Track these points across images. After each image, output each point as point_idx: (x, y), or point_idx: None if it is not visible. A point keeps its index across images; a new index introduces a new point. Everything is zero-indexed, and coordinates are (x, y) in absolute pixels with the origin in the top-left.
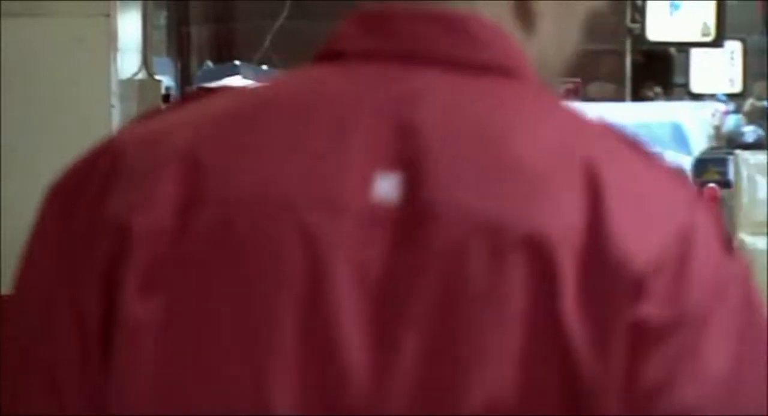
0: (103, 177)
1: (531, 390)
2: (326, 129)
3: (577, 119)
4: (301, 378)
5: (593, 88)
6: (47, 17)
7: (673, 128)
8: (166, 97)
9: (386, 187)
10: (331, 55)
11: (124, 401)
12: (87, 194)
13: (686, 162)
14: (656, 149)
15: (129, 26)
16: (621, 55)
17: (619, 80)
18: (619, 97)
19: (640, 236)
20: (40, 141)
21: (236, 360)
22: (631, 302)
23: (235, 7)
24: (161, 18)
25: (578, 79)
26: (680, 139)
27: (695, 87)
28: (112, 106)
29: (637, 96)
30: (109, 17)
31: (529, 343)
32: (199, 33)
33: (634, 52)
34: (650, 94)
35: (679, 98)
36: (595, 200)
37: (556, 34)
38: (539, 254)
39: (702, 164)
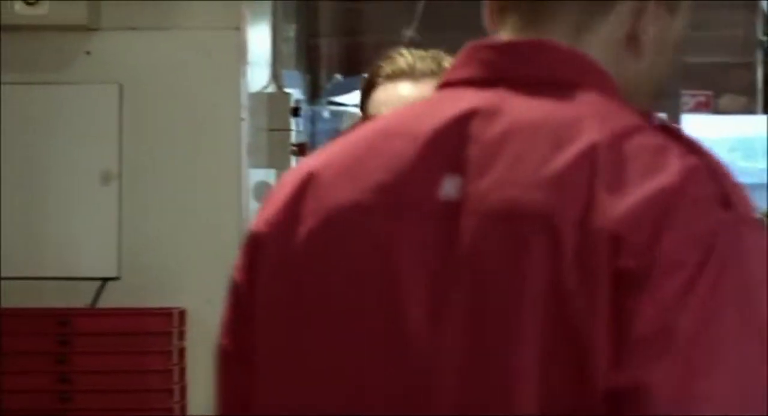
0: (267, 198)
1: (541, 332)
2: (406, 147)
3: (614, 113)
4: (374, 351)
5: (725, 101)
6: (177, 30)
7: None
8: (295, 111)
9: (449, 187)
10: (442, 85)
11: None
12: (258, 212)
13: None
14: None
15: (258, 39)
16: (752, 67)
17: (751, 93)
18: (750, 110)
19: (617, 203)
20: (170, 154)
21: (330, 337)
22: (611, 255)
23: (364, 19)
24: (290, 31)
25: (709, 92)
26: None
27: None
28: (242, 119)
29: None
30: (238, 30)
31: (543, 296)
32: (328, 46)
33: (765, 64)
34: None
35: None
36: (588, 183)
37: (652, 60)
38: (548, 232)
39: None
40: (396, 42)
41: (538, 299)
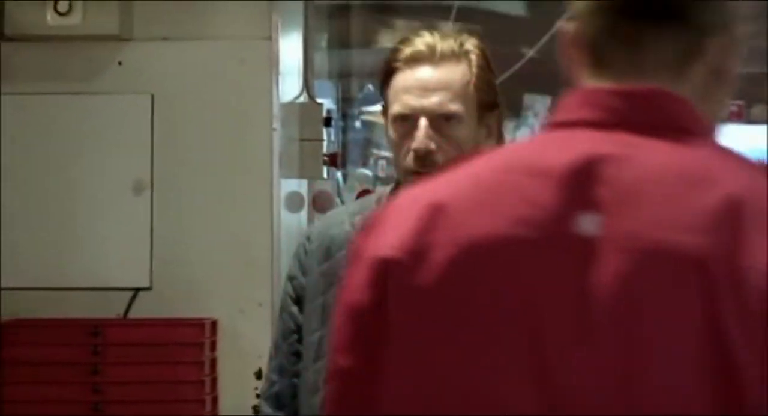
0: (378, 223)
1: (696, 366)
2: (537, 183)
3: (733, 160)
4: (522, 374)
5: (756, 111)
6: (209, 40)
7: None
8: (327, 121)
9: (586, 224)
10: (554, 124)
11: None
12: (367, 235)
13: None
14: None
15: (290, 49)
16: None
17: None
18: None
19: (763, 248)
20: (202, 164)
21: (475, 368)
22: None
23: (395, 33)
24: (322, 41)
25: (741, 102)
26: None
27: None
28: (274, 129)
29: None
30: (270, 40)
31: (698, 332)
32: (360, 56)
33: None
34: None
35: None
36: (734, 227)
37: (728, 90)
38: (701, 271)
39: None
40: None
41: (693, 335)
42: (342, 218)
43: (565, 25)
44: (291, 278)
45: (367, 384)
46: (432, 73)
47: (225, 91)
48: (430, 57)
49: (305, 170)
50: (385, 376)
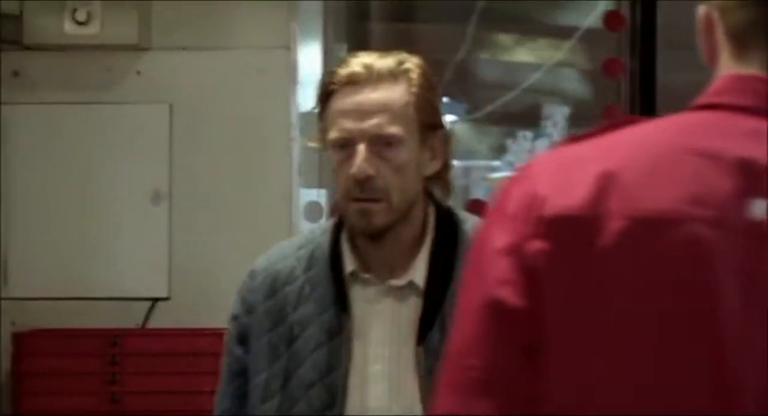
0: (524, 196)
1: None
2: (708, 163)
3: None
4: (689, 363)
5: None
6: (227, 50)
7: None
8: None
9: (758, 209)
10: (707, 105)
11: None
12: (508, 207)
13: None
14: None
15: (309, 59)
16: None
17: None
18: None
19: None
20: (220, 174)
21: (641, 348)
22: None
23: (416, 40)
24: (341, 50)
25: None
26: None
27: None
28: (292, 138)
29: None
30: (289, 50)
31: None
32: None
33: None
34: None
35: None
36: None
37: None
38: None
39: None
40: (447, 63)
41: None
42: (286, 252)
43: (703, 9)
44: (234, 318)
45: (527, 321)
46: (369, 95)
47: (244, 100)
48: (366, 78)
49: (324, 180)
50: (546, 323)
